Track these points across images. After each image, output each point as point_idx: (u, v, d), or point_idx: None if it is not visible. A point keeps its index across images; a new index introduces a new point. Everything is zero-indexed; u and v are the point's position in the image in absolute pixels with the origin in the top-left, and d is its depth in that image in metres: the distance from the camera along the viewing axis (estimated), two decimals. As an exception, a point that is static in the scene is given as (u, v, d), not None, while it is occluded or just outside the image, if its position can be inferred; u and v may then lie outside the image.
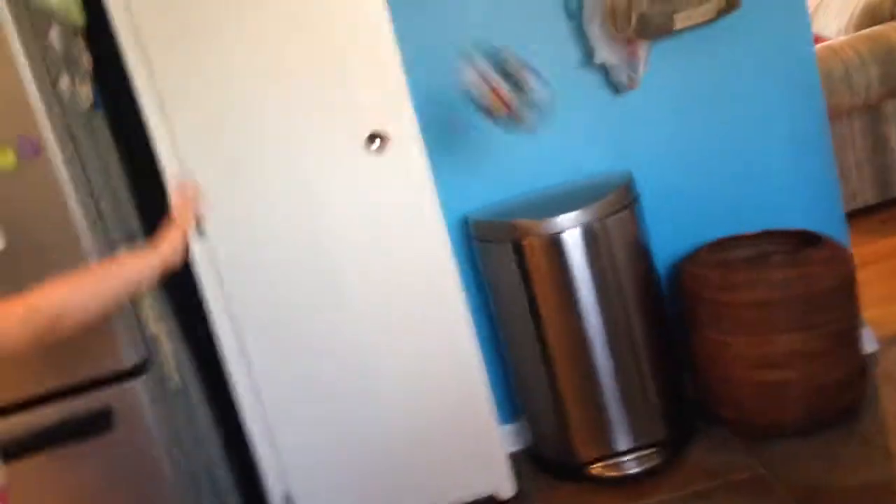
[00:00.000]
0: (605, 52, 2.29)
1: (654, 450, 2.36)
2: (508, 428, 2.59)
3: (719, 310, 2.28)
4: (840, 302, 2.25)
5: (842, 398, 2.28)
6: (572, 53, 2.42)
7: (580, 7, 2.32)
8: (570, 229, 2.23)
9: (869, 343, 2.58)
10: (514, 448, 2.59)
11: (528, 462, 2.55)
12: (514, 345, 2.43)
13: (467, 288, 2.43)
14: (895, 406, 2.35)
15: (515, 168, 2.48)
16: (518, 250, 2.28)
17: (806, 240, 2.37)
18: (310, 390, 2.26)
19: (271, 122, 2.12)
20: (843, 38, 3.89)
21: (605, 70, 2.40)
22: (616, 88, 2.43)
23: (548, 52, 2.40)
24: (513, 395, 2.56)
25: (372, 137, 2.14)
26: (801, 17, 2.46)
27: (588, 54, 2.37)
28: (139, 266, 1.39)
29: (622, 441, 2.37)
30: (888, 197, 3.80)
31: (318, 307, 2.22)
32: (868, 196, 3.77)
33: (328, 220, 2.18)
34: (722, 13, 2.24)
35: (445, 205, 2.30)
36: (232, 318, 2.20)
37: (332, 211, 2.18)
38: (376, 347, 2.25)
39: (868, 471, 2.10)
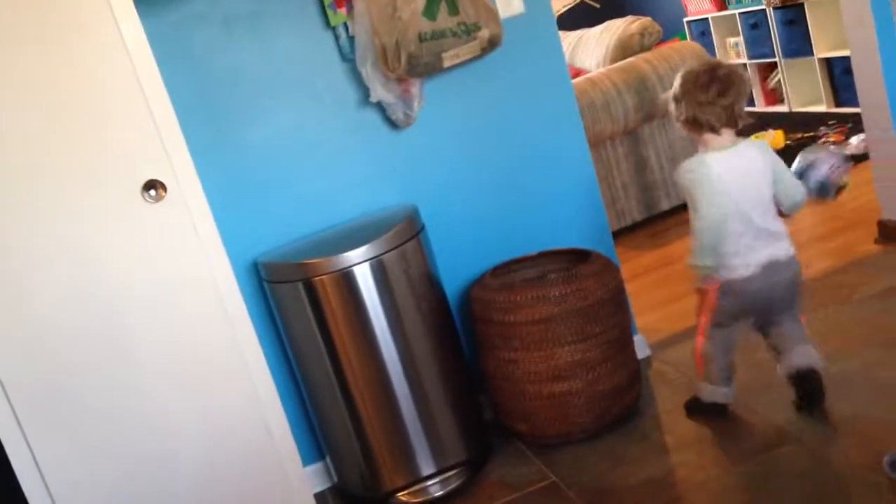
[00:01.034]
0: (381, 91, 2.38)
1: (456, 471, 2.44)
2: (313, 468, 2.58)
3: (506, 330, 2.41)
4: (612, 312, 2.43)
5: (622, 401, 2.47)
6: (351, 93, 2.48)
7: (353, 48, 2.39)
8: (360, 264, 2.28)
9: (642, 349, 2.81)
10: (320, 488, 2.59)
11: (335, 500, 2.55)
12: (314, 384, 2.43)
13: (264, 332, 2.41)
14: (668, 404, 2.57)
15: (303, 208, 2.50)
16: (310, 289, 2.29)
17: (579, 257, 2.56)
18: (95, 458, 2.14)
19: (44, 186, 2.04)
20: (601, 70, 4.24)
21: (382, 108, 2.48)
22: (395, 125, 2.52)
23: (329, 92, 2.46)
24: (316, 435, 2.55)
25: (148, 187, 2.09)
26: (556, 53, 2.67)
27: (365, 94, 2.45)
28: None
29: (425, 466, 2.43)
30: (653, 213, 4.15)
31: (101, 369, 2.12)
32: (636, 214, 4.11)
33: (109, 276, 2.11)
34: (486, 51, 2.38)
35: (234, 250, 2.29)
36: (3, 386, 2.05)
37: (111, 266, 2.11)
38: (167, 406, 2.19)
39: (648, 466, 2.28)
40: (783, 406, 2.34)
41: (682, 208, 4.16)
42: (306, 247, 2.42)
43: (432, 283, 2.46)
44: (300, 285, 2.30)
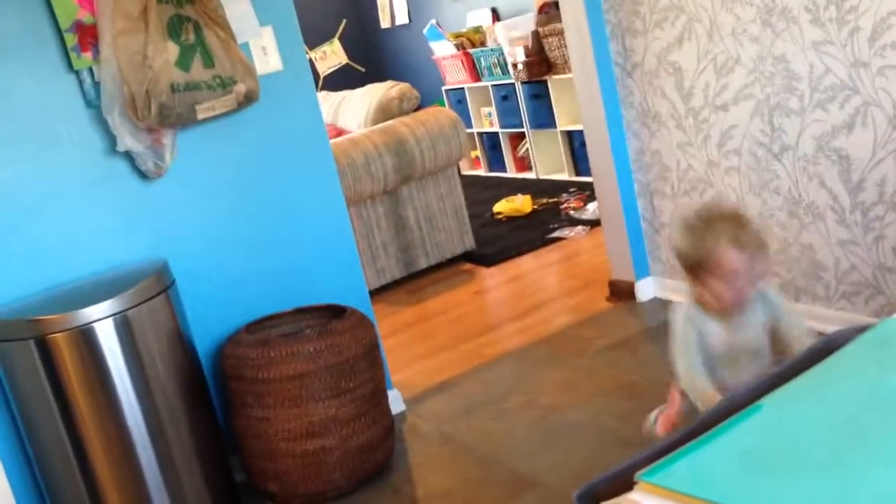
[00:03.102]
0: (129, 140, 2.29)
1: (204, 537, 2.33)
2: (44, 544, 2.37)
3: (259, 387, 2.36)
4: (367, 367, 2.46)
5: (375, 457, 2.49)
6: (97, 141, 2.37)
7: (98, 95, 2.29)
8: (102, 320, 2.15)
9: (397, 403, 2.86)
10: (53, 564, 2.37)
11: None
12: (46, 454, 2.25)
13: (-14, 394, 2.20)
14: (420, 457, 2.63)
15: (39, 261, 2.33)
16: (43, 347, 2.13)
17: (334, 313, 2.58)
18: None
19: None
20: (362, 131, 4.35)
21: (131, 157, 2.39)
22: (145, 176, 2.43)
23: (72, 139, 2.33)
24: (47, 507, 2.35)
25: None
26: (313, 110, 2.71)
27: (113, 142, 2.34)
28: None
29: (172, 534, 2.31)
30: (412, 271, 4.28)
31: None
32: (395, 271, 4.21)
33: None
34: (242, 105, 2.38)
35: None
36: None
37: None
38: None
39: (401, 520, 2.31)
40: (524, 454, 2.47)
41: (439, 267, 4.34)
42: (41, 302, 2.25)
43: (182, 341, 2.36)
44: (32, 343, 2.13)
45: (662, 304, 3.30)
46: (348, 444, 2.41)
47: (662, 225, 3.28)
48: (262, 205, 2.64)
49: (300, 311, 2.65)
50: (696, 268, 1.70)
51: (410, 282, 4.28)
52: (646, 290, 3.39)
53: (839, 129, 2.53)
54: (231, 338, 2.50)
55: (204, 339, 2.52)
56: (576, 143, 5.74)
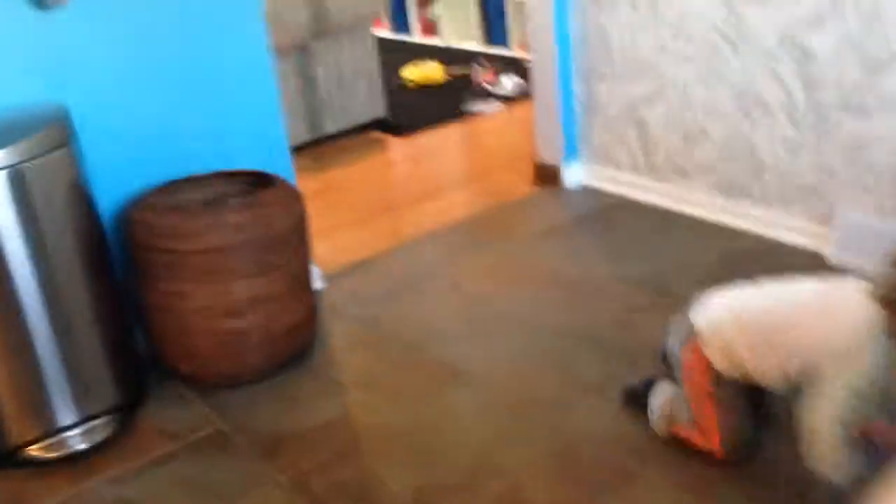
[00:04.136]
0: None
1: (103, 419, 2.11)
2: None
3: (174, 259, 2.11)
4: (295, 243, 2.25)
5: (298, 339, 2.31)
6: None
7: None
8: (-9, 173, 1.82)
9: (316, 280, 2.66)
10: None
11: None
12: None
13: None
14: (342, 341, 2.47)
15: None
16: (-81, 200, 1.79)
17: (259, 181, 2.32)
18: None
19: None
20: (274, -25, 3.91)
21: (24, -21, 2.00)
22: (40, 3, 2.04)
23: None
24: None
25: None
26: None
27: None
28: None
29: (66, 415, 2.07)
30: (319, 135, 3.99)
31: None
32: (301, 135, 3.90)
33: None
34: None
35: None
36: None
37: None
38: None
39: (324, 407, 2.16)
40: (451, 341, 2.36)
41: (348, 134, 4.06)
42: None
43: (83, 201, 2.06)
44: None
45: (592, 193, 3.20)
46: (271, 325, 2.21)
47: (598, 108, 3.14)
48: (177, 50, 2.30)
49: (218, 176, 2.37)
50: None
51: (317, 147, 3.99)
52: (573, 175, 3.26)
53: (806, 23, 2.42)
54: (138, 201, 2.21)
55: (106, 200, 2.21)
56: (490, 10, 5.45)
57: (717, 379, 1.73)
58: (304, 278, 2.31)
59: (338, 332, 2.50)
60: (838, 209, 2.50)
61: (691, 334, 1.76)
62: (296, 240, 2.25)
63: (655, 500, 1.75)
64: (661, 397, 1.89)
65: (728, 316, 1.71)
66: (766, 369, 1.64)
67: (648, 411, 1.91)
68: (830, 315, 1.56)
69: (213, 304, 2.14)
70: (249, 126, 2.47)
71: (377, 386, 2.24)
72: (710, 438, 1.77)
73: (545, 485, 1.82)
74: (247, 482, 1.92)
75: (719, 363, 1.70)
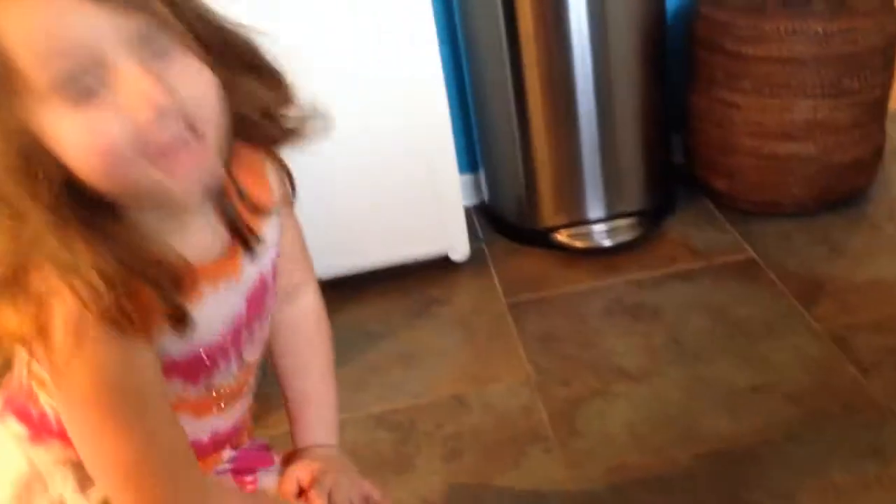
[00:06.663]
0: None
1: (629, 220, 2.06)
2: (462, 179, 2.22)
3: (737, 64, 1.90)
4: (878, 66, 1.89)
5: (853, 180, 2.00)
6: None
7: None
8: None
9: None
10: (465, 203, 2.24)
11: (482, 220, 2.23)
12: (483, 81, 2.02)
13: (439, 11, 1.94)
14: (904, 192, 2.10)
15: None
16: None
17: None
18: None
19: None
20: None
21: None
22: None
23: None
24: (472, 142, 2.18)
25: None
26: None
27: None
28: None
29: (595, 208, 2.06)
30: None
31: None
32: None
33: None
34: None
35: None
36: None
37: None
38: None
39: (877, 264, 1.85)
40: None
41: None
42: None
43: (652, -9, 1.92)
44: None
45: None
46: (827, 157, 1.93)
47: None
48: None
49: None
50: None
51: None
52: None
53: None
54: (710, -5, 2.01)
55: (672, -10, 2.05)
56: None
57: None
58: (877, 110, 1.96)
59: (901, 181, 2.13)
60: None
61: None
62: (880, 63, 1.89)
63: None
64: None
65: None
66: None
67: None
68: None
69: (766, 121, 1.91)
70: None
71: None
72: None
73: None
74: (775, 321, 1.73)
75: None
